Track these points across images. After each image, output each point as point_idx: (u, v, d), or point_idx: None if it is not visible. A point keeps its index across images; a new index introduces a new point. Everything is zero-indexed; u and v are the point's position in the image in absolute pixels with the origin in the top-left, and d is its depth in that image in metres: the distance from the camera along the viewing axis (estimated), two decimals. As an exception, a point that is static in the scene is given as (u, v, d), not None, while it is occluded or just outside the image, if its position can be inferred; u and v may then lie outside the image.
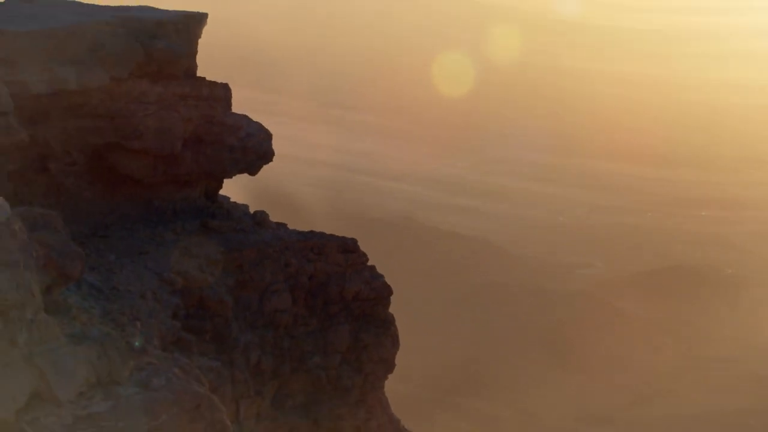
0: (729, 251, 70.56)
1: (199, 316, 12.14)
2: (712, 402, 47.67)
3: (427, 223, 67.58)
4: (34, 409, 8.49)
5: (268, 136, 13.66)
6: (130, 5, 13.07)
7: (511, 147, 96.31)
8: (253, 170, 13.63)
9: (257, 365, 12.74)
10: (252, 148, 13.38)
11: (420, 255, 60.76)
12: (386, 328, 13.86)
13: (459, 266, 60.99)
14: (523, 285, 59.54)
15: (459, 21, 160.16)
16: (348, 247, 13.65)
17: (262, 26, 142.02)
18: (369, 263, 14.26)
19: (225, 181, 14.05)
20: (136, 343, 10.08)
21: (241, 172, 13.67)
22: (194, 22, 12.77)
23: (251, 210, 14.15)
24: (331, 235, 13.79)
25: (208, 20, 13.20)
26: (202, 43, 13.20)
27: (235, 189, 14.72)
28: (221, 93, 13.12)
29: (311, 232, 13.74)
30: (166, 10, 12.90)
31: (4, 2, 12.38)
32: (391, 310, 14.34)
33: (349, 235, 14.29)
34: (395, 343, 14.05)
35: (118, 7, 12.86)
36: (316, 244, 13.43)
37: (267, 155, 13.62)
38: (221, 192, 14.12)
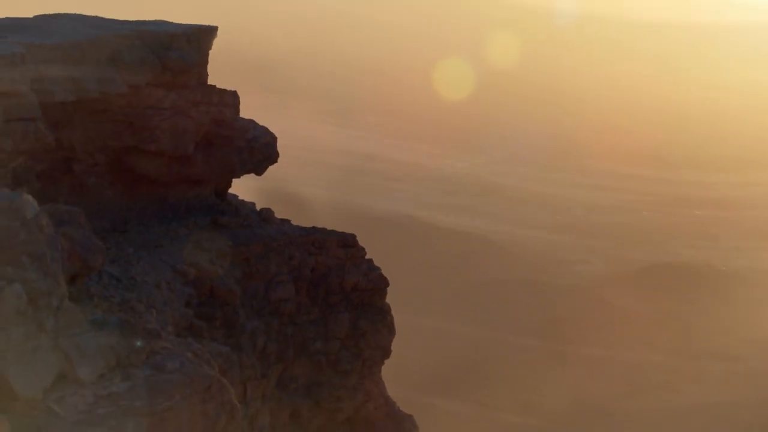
0: (724, 249, 70.35)
1: (210, 304, 12.50)
2: (706, 395, 47.74)
3: (429, 221, 67.60)
4: (60, 389, 8.75)
5: (273, 138, 14.14)
6: (146, 19, 13.51)
7: (510, 148, 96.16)
8: (259, 170, 14.07)
9: (263, 350, 13.12)
10: (258, 149, 13.82)
11: (421, 252, 60.89)
12: (383, 316, 14.21)
13: (459, 263, 61.09)
14: (522, 281, 59.57)
15: (459, 27, 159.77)
16: (347, 241, 14.04)
17: (271, 34, 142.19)
18: (373, 260, 14.54)
19: (233, 180, 14.44)
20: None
21: (248, 172, 14.10)
22: (205, 34, 13.23)
23: (257, 207, 14.61)
24: (332, 231, 14.14)
25: (221, 29, 13.73)
26: (215, 50, 13.70)
27: (243, 188, 15.20)
28: (230, 99, 13.59)
29: (313, 227, 14.13)
30: (179, 24, 13.34)
31: (33, 18, 12.82)
32: (394, 304, 14.74)
33: (353, 231, 14.71)
34: (391, 330, 14.38)
35: (136, 21, 13.30)
36: (317, 238, 13.82)
37: (272, 156, 14.09)
38: (230, 191, 14.51)
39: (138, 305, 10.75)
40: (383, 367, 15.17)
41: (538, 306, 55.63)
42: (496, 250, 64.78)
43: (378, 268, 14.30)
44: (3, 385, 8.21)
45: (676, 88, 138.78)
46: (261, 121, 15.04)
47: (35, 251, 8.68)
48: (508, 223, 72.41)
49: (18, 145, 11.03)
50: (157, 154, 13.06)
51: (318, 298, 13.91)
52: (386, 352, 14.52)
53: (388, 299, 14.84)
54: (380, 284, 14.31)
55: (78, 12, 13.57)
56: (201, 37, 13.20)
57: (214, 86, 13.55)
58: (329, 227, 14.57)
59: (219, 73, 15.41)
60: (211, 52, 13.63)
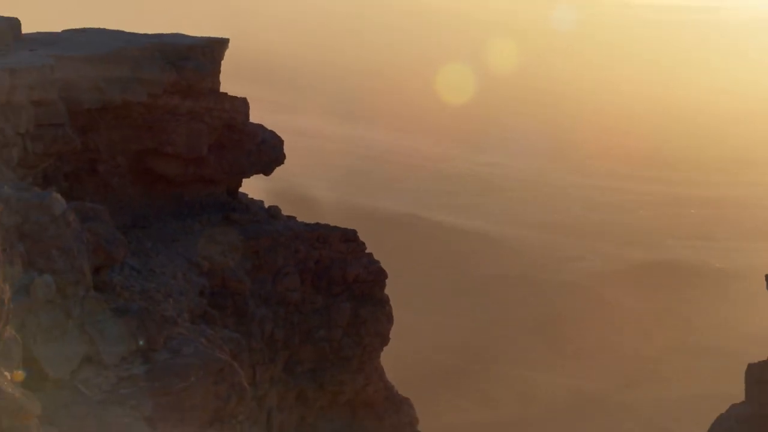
0: (717, 247, 69.92)
1: (222, 294, 12.85)
2: (698, 386, 47.60)
3: (431, 219, 67.52)
4: (85, 371, 9.08)
5: (280, 142, 14.58)
6: (164, 32, 13.95)
7: (509, 150, 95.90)
8: (267, 171, 14.52)
9: (271, 336, 13.48)
10: (266, 152, 14.26)
11: (425, 248, 60.91)
12: (382, 306, 14.53)
13: (461, 259, 61.07)
14: (521, 276, 59.46)
15: (460, 34, 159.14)
16: (349, 236, 14.40)
17: (280, 41, 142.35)
18: (379, 256, 14.82)
19: (244, 180, 14.83)
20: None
21: (257, 172, 14.53)
22: (218, 46, 13.71)
23: (266, 205, 14.92)
24: (335, 227, 14.53)
25: (234, 37, 14.21)
26: (228, 55, 14.14)
27: (253, 187, 15.64)
28: (240, 106, 14.05)
29: (317, 223, 14.53)
30: (194, 36, 13.79)
31: (62, 32, 13.31)
32: (398, 299, 15.02)
33: (361, 230, 14.91)
34: (389, 319, 14.68)
35: (155, 34, 13.74)
36: (321, 234, 14.20)
37: (279, 158, 14.53)
38: (240, 190, 14.89)
39: (156, 294, 11.14)
40: (388, 357, 15.47)
41: (537, 301, 55.59)
42: (496, 247, 64.73)
43: (377, 262, 14.68)
44: (34, 366, 8.50)
45: (672, 91, 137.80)
46: (270, 124, 15.49)
47: (63, 245, 9.04)
48: (508, 221, 72.29)
49: (48, 148, 11.50)
50: (173, 156, 13.49)
51: (322, 288, 14.26)
52: (385, 340, 14.80)
53: (393, 294, 15.13)
54: (379, 276, 14.61)
55: (102, 26, 14.07)
56: (214, 48, 13.67)
57: (226, 94, 13.98)
58: (340, 225, 14.95)
59: (231, 78, 15.83)
60: (226, 57, 14.05)
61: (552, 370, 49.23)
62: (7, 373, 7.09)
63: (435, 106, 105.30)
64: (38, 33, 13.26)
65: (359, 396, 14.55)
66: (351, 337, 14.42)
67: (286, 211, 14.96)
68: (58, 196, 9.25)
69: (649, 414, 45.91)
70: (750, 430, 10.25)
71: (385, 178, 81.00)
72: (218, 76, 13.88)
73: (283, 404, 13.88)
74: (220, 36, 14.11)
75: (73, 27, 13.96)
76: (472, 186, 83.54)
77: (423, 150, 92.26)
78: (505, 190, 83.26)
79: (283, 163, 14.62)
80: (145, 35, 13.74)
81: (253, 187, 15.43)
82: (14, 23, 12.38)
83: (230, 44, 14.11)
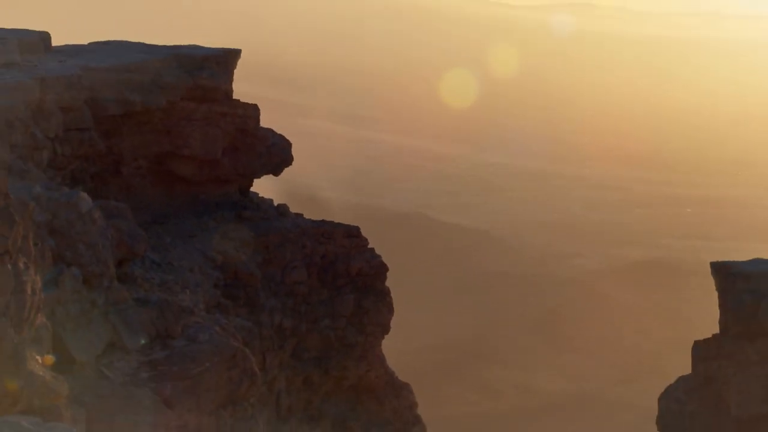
0: (712, 245, 69.44)
1: (235, 286, 13.15)
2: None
3: (434, 218, 67.54)
4: (109, 356, 9.32)
5: (288, 144, 14.97)
6: (182, 44, 14.40)
7: (510, 151, 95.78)
8: (277, 172, 14.88)
9: (280, 325, 13.80)
10: (276, 154, 14.62)
11: (429, 245, 60.96)
12: (383, 297, 14.84)
13: (463, 255, 61.09)
14: (521, 273, 59.36)
15: (463, 40, 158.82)
16: (352, 232, 14.72)
17: (289, 48, 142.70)
18: (384, 253, 15.10)
19: (255, 180, 15.19)
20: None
21: (267, 173, 14.90)
22: (231, 56, 14.14)
23: (275, 203, 15.22)
24: (339, 223, 14.85)
25: (246, 45, 14.63)
26: (242, 62, 14.48)
27: (263, 187, 16.07)
28: (252, 111, 14.43)
29: (323, 220, 14.87)
30: (209, 47, 14.24)
31: (88, 44, 13.80)
32: (403, 294, 15.29)
33: (367, 228, 15.30)
34: (390, 310, 14.99)
35: (173, 46, 14.18)
36: (326, 230, 14.54)
37: (287, 160, 14.93)
38: (252, 189, 15.24)
39: (174, 286, 11.46)
40: (393, 351, 15.77)
41: (537, 297, 55.53)
42: (497, 245, 64.68)
43: (379, 256, 14.99)
44: (63, 351, 8.74)
45: (670, 94, 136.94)
46: (280, 125, 15.91)
47: (89, 240, 9.36)
48: (508, 220, 72.21)
49: (75, 151, 11.96)
50: (190, 158, 13.89)
51: (327, 281, 14.59)
52: (386, 329, 15.10)
53: (397, 290, 15.44)
54: (381, 270, 14.91)
55: (125, 39, 14.52)
56: (227, 58, 14.09)
57: (239, 100, 14.37)
58: (340, 222, 15.35)
59: (243, 83, 16.23)
60: (239, 64, 14.40)
61: (552, 365, 49.19)
62: (38, 358, 7.42)
63: (438, 108, 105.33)
64: (66, 45, 13.68)
65: (362, 381, 14.83)
66: (354, 327, 14.73)
67: (294, 210, 15.29)
68: (85, 195, 9.57)
69: (646, 407, 45.71)
70: (695, 399, 10.72)
71: (390, 178, 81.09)
72: (231, 84, 14.26)
73: (291, 388, 14.18)
74: (233, 46, 14.59)
75: (98, 40, 14.42)
76: (473, 186, 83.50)
77: (426, 151, 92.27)
78: (506, 189, 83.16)
79: (291, 164, 15.02)
80: (164, 46, 14.17)
81: (263, 186, 15.77)
82: (45, 36, 12.78)
83: (244, 49, 14.53)
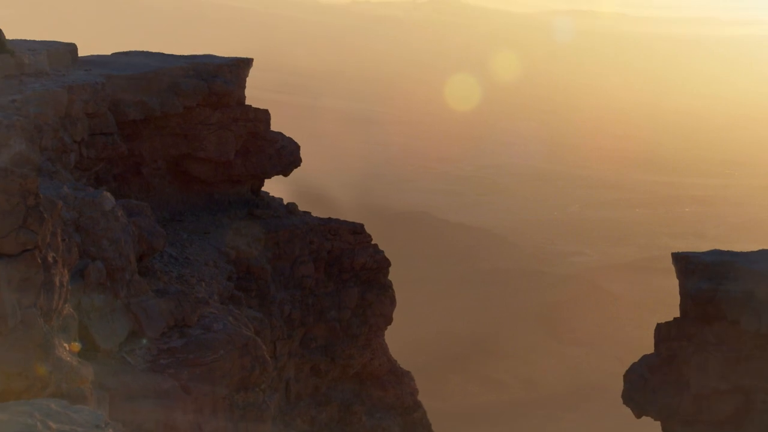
0: (708, 243, 68.91)
1: (247, 279, 13.43)
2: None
3: (439, 217, 67.47)
4: (131, 343, 9.55)
5: (297, 147, 15.22)
6: (197, 54, 14.72)
7: (512, 153, 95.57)
8: (286, 172, 15.13)
9: (289, 316, 14.04)
10: (285, 156, 14.87)
11: (433, 243, 60.93)
12: (385, 290, 15.06)
13: (467, 253, 60.99)
14: (523, 270, 59.17)
15: (466, 46, 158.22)
16: (356, 229, 14.94)
17: (300, 55, 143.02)
18: (392, 250, 15.37)
19: (265, 180, 15.46)
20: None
21: (277, 174, 15.14)
22: (243, 65, 14.45)
23: (285, 202, 15.44)
24: (344, 221, 15.08)
25: (261, 53, 14.84)
26: (255, 68, 14.79)
27: (273, 187, 16.38)
28: (263, 116, 14.69)
29: (329, 218, 15.11)
30: (223, 57, 14.52)
31: (111, 55, 14.12)
32: (409, 289, 15.37)
33: (375, 227, 15.59)
34: (392, 302, 15.16)
35: (189, 55, 14.47)
36: (332, 227, 14.77)
37: (296, 161, 15.15)
38: (263, 189, 15.51)
39: (191, 279, 11.70)
40: (400, 344, 15.85)
41: (539, 293, 55.33)
42: (499, 243, 64.55)
43: (382, 251, 15.20)
44: (88, 339, 8.96)
45: (666, 97, 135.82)
46: (292, 129, 16.17)
47: (112, 236, 9.61)
48: (510, 219, 72.07)
49: (99, 153, 12.24)
50: (205, 160, 14.17)
51: (333, 275, 14.82)
52: (388, 320, 15.30)
53: (404, 285, 15.56)
54: (383, 264, 15.13)
55: (145, 49, 14.84)
56: (240, 67, 14.39)
57: (250, 106, 14.62)
58: (346, 220, 15.58)
59: (257, 88, 16.46)
60: (253, 71, 14.69)
61: (553, 356, 49.03)
62: (65, 345, 7.64)
63: (442, 112, 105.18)
64: (92, 56, 14.00)
65: (366, 369, 15.02)
66: (358, 317, 14.93)
67: (304, 208, 15.52)
68: (108, 194, 9.83)
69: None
70: (657, 375, 10.99)
71: (396, 178, 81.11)
72: (244, 91, 14.54)
73: (300, 375, 14.42)
74: (249, 55, 14.88)
75: (121, 51, 14.73)
76: (477, 186, 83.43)
77: (432, 153, 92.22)
78: (508, 190, 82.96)
79: (299, 165, 15.26)
80: (181, 56, 14.44)
81: (273, 186, 16.05)
82: (72, 48, 13.11)
83: (259, 57, 14.76)
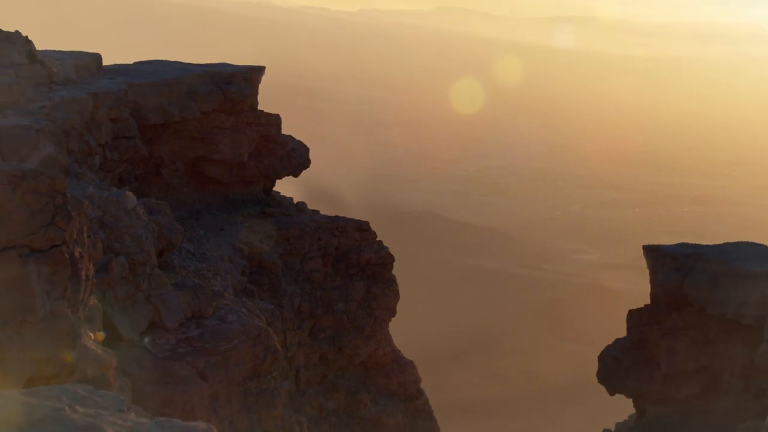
0: (707, 241, 68.13)
1: (259, 273, 13.69)
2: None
3: (444, 215, 67.38)
4: (152, 333, 9.75)
5: (306, 150, 15.52)
6: (213, 62, 15.02)
7: (515, 154, 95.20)
8: (296, 173, 15.42)
9: (299, 308, 14.32)
10: (295, 158, 15.16)
11: (439, 241, 60.92)
12: (390, 284, 15.30)
13: (471, 251, 60.92)
14: (526, 267, 58.91)
15: (470, 52, 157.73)
16: (362, 227, 15.20)
17: (311, 60, 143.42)
18: (397, 248, 15.50)
19: (277, 181, 15.73)
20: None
21: (288, 174, 15.43)
22: (256, 72, 14.72)
23: (295, 201, 15.72)
24: (351, 219, 15.33)
25: (273, 60, 15.12)
26: (268, 73, 15.05)
27: (284, 187, 16.66)
28: (274, 120, 15.02)
29: (336, 216, 15.39)
30: (237, 65, 14.81)
31: (133, 64, 14.44)
32: (415, 286, 15.48)
33: (382, 226, 15.77)
34: (396, 295, 15.36)
35: (206, 64, 14.79)
36: (340, 224, 15.03)
37: (305, 163, 15.47)
38: (274, 188, 15.79)
39: (207, 273, 11.98)
40: (406, 339, 15.97)
41: (541, 289, 55.14)
42: (503, 241, 64.39)
43: (386, 248, 15.42)
44: (111, 328, 9.19)
45: (664, 100, 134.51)
46: (301, 132, 16.42)
47: (134, 233, 9.86)
48: (513, 218, 71.84)
49: (122, 155, 12.52)
50: (221, 161, 14.46)
51: (340, 269, 15.07)
52: (392, 312, 15.50)
53: (410, 282, 15.68)
54: (388, 260, 15.36)
55: (165, 58, 15.16)
56: (253, 74, 14.65)
57: (263, 111, 14.91)
58: (354, 219, 15.79)
59: (270, 93, 16.71)
60: (266, 78, 14.96)
61: (554, 351, 48.87)
62: (90, 334, 7.83)
63: (447, 115, 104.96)
64: (115, 65, 14.32)
65: (371, 358, 15.24)
66: (364, 310, 15.18)
67: (313, 207, 15.79)
68: (131, 194, 10.08)
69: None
70: (629, 357, 11.30)
71: (403, 179, 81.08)
72: (256, 97, 14.81)
73: (309, 363, 14.66)
74: (262, 62, 15.15)
75: (142, 60, 15.03)
76: (481, 186, 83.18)
77: (437, 154, 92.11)
78: (511, 190, 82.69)
79: (308, 166, 15.53)
80: (198, 65, 14.75)
81: (284, 187, 16.33)
82: (97, 57, 13.42)
83: (272, 64, 14.99)
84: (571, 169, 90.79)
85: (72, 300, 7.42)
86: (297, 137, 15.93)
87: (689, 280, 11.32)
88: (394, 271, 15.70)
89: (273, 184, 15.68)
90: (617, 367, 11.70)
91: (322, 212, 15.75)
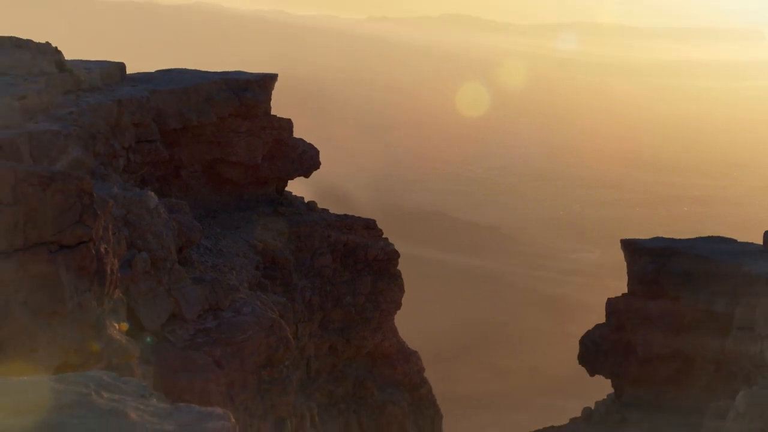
0: (707, 241, 67.09)
1: (272, 268, 13.89)
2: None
3: (450, 215, 67.15)
4: (172, 324, 10.00)
5: (316, 152, 15.72)
6: (230, 70, 15.26)
7: (518, 155, 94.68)
8: (307, 174, 15.65)
9: (309, 301, 14.51)
10: (306, 160, 15.39)
11: (445, 240, 60.75)
12: (395, 279, 15.46)
13: (476, 249, 60.70)
14: (529, 264, 58.64)
15: (475, 57, 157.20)
16: (369, 225, 15.39)
17: (321, 65, 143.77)
18: (404, 246, 15.72)
19: (289, 181, 15.94)
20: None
21: (299, 175, 15.67)
22: (269, 79, 14.99)
23: (305, 200, 15.94)
24: (359, 217, 15.55)
25: (285, 66, 15.35)
26: (281, 79, 15.15)
27: (296, 187, 16.88)
28: (286, 125, 15.27)
29: (345, 214, 15.58)
30: (252, 72, 15.04)
31: (155, 72, 14.75)
32: (423, 283, 15.61)
33: (390, 225, 15.87)
34: (401, 289, 15.56)
35: (222, 72, 15.05)
36: (348, 222, 15.24)
37: (316, 164, 15.67)
38: (286, 189, 16.01)
39: (223, 268, 12.18)
40: (411, 331, 16.08)
41: (543, 286, 54.84)
42: (507, 239, 64.11)
43: (392, 244, 15.58)
44: (134, 320, 9.45)
45: (664, 102, 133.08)
46: (312, 135, 16.64)
47: (156, 230, 10.11)
48: (517, 217, 71.50)
49: (144, 158, 12.85)
50: (236, 163, 14.71)
51: (348, 265, 15.26)
52: (397, 305, 15.68)
53: (417, 279, 15.80)
54: (393, 256, 15.51)
55: (184, 67, 15.45)
56: (266, 81, 14.92)
57: (275, 116, 15.17)
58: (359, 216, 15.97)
59: (283, 97, 16.96)
60: (277, 82, 15.14)
61: (557, 346, 48.58)
62: (115, 325, 8.06)
63: (453, 118, 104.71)
64: (138, 73, 14.61)
65: (377, 348, 15.41)
66: (371, 303, 15.35)
67: (323, 206, 15.99)
68: (152, 194, 10.34)
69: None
70: (608, 341, 11.53)
71: (410, 180, 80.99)
72: (270, 102, 15.08)
73: (319, 353, 14.84)
74: (276, 68, 15.36)
75: (163, 68, 15.33)
76: (484, 187, 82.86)
77: (443, 156, 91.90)
78: (514, 190, 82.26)
79: (319, 168, 15.74)
80: (215, 73, 15.01)
81: (296, 187, 16.52)
82: (121, 66, 13.77)
83: (285, 70, 15.20)
84: (572, 170, 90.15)
85: (98, 293, 7.62)
86: (308, 140, 16.16)
87: (664, 272, 11.59)
88: (402, 269, 15.86)
89: (285, 185, 15.91)
90: (597, 350, 12.00)
91: (332, 211, 15.97)
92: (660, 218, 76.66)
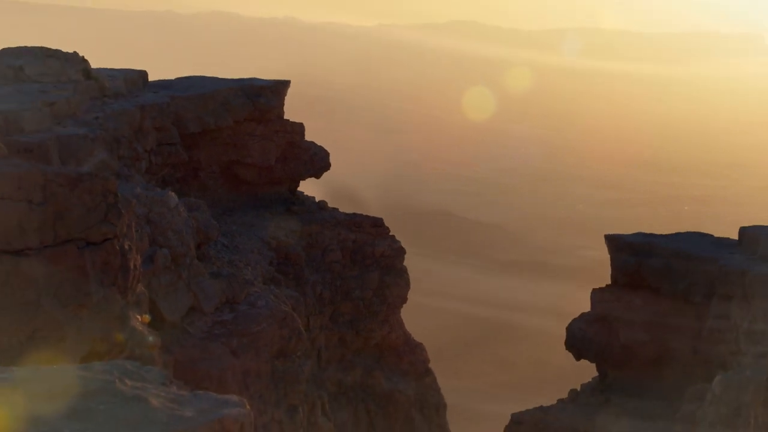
0: (707, 240, 66.24)
1: (285, 264, 14.11)
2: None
3: (458, 214, 67.04)
4: (191, 317, 10.24)
5: (327, 154, 15.95)
6: (245, 77, 15.53)
7: (522, 156, 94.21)
8: (318, 175, 15.88)
9: (320, 295, 14.74)
10: (317, 162, 15.61)
11: (452, 238, 60.62)
12: (401, 274, 15.62)
13: (482, 247, 60.48)
14: (533, 261, 58.32)
15: (481, 61, 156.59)
16: (377, 223, 15.56)
17: (332, 69, 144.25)
18: (413, 246, 16.01)
19: (301, 182, 16.11)
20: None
21: (310, 176, 15.90)
22: (282, 86, 15.22)
23: (317, 200, 16.10)
24: (367, 215, 15.74)
25: (297, 70, 15.52)
26: (294, 83, 15.27)
27: (308, 188, 17.04)
28: (298, 128, 15.50)
29: (354, 213, 15.75)
30: (266, 80, 15.32)
31: (174, 79, 15.02)
32: (431, 280, 15.73)
33: (399, 224, 15.95)
34: (407, 284, 15.71)
35: (238, 79, 15.35)
36: (356, 220, 15.43)
37: (326, 166, 15.91)
38: (298, 189, 16.16)
39: (239, 263, 12.36)
40: (419, 326, 16.17)
41: (548, 283, 54.53)
42: (512, 237, 63.80)
43: (398, 241, 15.70)
44: (156, 312, 9.67)
45: (666, 104, 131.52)
46: (323, 138, 16.78)
47: (176, 228, 10.36)
48: (521, 216, 71.10)
49: (165, 160, 13.15)
50: (251, 165, 14.95)
51: (357, 261, 15.44)
52: (404, 299, 15.84)
53: (426, 277, 15.88)
54: (400, 252, 15.70)
55: (202, 74, 15.66)
56: (279, 87, 15.15)
57: (288, 120, 15.41)
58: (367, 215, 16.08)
59: (295, 101, 17.11)
60: (290, 87, 15.31)
61: (561, 339, 48.08)
62: (138, 317, 8.28)
63: (460, 121, 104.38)
64: (159, 80, 14.92)
65: (385, 340, 15.58)
66: (378, 297, 15.50)
67: (333, 205, 16.17)
68: (173, 193, 10.63)
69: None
70: (593, 328, 11.70)
71: (418, 180, 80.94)
72: (283, 107, 15.30)
73: (329, 345, 15.06)
74: (290, 72, 15.54)
75: (182, 75, 15.57)
76: (490, 187, 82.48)
77: (450, 157, 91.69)
78: (519, 190, 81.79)
79: (329, 169, 15.94)
80: (231, 80, 15.29)
81: (307, 187, 16.71)
82: (143, 74, 14.05)
83: (298, 75, 15.35)
84: (575, 170, 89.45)
85: (122, 287, 7.85)
86: (319, 143, 16.38)
87: (645, 264, 11.74)
88: (409, 266, 16.00)
89: (297, 185, 16.09)
90: (582, 336, 12.19)
91: (342, 210, 16.15)
92: (660, 218, 75.80)
